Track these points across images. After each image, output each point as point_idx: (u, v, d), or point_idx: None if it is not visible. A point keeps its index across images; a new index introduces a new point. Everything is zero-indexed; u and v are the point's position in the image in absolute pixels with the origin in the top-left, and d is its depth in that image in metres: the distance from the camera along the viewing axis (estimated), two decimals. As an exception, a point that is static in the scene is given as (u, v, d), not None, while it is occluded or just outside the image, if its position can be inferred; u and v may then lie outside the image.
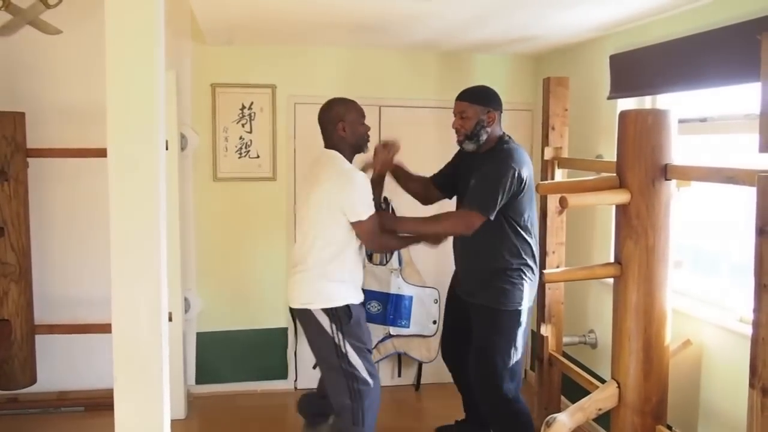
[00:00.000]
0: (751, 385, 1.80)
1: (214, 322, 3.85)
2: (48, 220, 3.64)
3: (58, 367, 3.68)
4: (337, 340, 2.53)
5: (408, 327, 3.78)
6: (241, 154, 3.76)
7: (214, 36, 3.48)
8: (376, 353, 3.88)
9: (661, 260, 2.25)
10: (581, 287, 3.42)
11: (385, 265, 3.86)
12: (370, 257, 3.90)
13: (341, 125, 2.59)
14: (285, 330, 3.88)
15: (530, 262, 2.71)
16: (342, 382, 2.55)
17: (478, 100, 2.68)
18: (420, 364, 3.96)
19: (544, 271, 2.31)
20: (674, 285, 2.39)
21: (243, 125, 3.75)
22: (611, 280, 2.40)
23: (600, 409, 2.34)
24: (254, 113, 3.75)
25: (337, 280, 2.57)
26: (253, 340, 3.88)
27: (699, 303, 2.61)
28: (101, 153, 3.39)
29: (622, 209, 2.29)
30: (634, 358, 2.29)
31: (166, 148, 3.33)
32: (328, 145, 2.65)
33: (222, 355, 3.87)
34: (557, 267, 3.17)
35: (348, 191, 2.49)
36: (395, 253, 3.85)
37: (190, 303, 3.78)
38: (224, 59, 3.73)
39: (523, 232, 2.68)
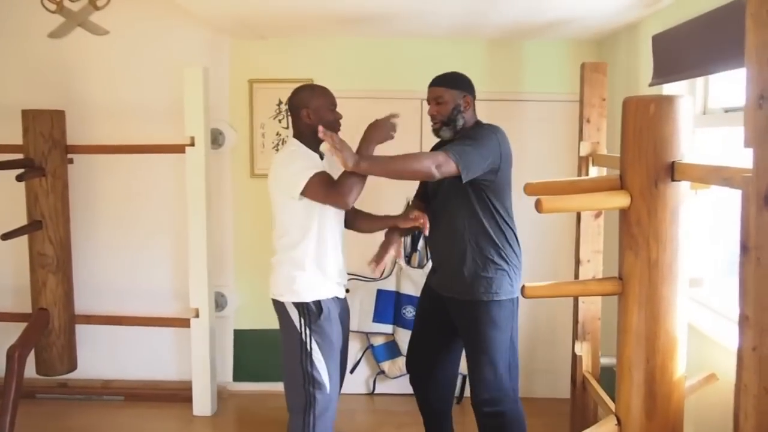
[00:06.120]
0: (735, 444, 1.42)
1: (253, 320, 3.83)
2: (92, 214, 3.78)
3: (101, 356, 3.83)
4: (303, 336, 2.42)
5: (444, 335, 3.53)
6: (277, 150, 3.71)
7: (236, 29, 3.43)
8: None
9: (668, 277, 1.85)
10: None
11: (422, 268, 3.64)
12: (408, 260, 3.71)
13: (305, 112, 2.46)
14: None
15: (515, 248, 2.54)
16: (299, 381, 2.43)
17: (454, 85, 2.51)
18: (464, 377, 3.68)
19: (525, 284, 1.99)
20: (695, 308, 1.98)
21: (279, 121, 3.71)
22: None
23: (593, 448, 1.99)
24: (291, 109, 3.69)
25: (302, 269, 2.43)
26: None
27: (733, 329, 2.14)
28: (139, 149, 3.54)
29: (623, 215, 1.93)
30: (635, 393, 1.92)
31: (192, 144, 3.41)
32: (294, 133, 2.56)
33: (260, 353, 3.85)
34: (592, 278, 2.79)
35: (281, 173, 2.41)
36: (433, 257, 3.61)
37: (227, 299, 3.80)
38: (262, 54, 3.70)
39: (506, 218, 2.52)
